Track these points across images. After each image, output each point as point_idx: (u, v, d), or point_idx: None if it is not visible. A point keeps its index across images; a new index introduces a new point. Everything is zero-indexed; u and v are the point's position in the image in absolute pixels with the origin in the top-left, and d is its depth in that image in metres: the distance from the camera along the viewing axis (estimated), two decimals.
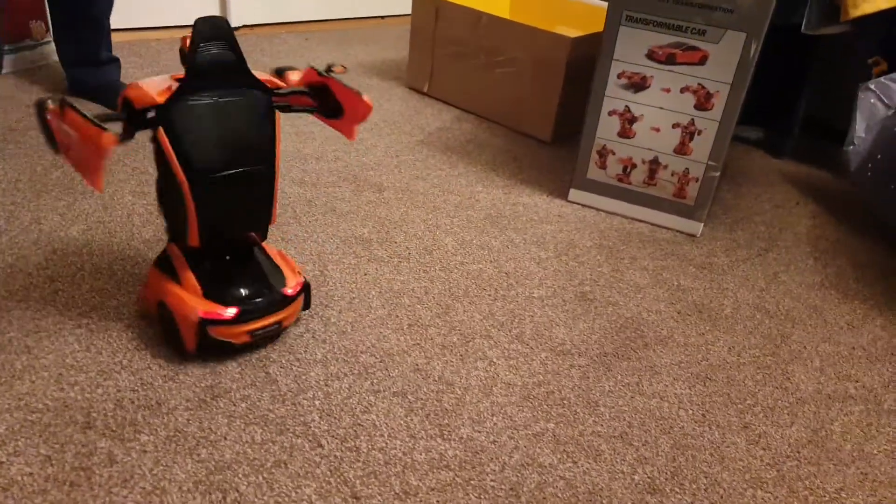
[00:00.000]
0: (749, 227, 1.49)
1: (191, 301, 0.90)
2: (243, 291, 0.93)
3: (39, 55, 1.80)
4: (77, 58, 1.62)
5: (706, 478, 0.87)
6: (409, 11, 1.94)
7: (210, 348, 0.93)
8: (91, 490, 0.76)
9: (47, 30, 1.76)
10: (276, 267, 0.98)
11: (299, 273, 1.00)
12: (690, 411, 0.98)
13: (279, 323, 0.96)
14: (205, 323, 0.89)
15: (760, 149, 1.87)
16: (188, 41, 0.84)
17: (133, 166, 1.40)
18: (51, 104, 0.80)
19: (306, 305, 1.02)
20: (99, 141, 0.76)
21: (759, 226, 1.49)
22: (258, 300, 0.93)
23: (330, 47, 2.28)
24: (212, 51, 0.84)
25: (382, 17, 2.70)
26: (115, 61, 1.68)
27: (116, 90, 1.63)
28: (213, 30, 0.84)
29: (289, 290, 0.96)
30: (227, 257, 0.96)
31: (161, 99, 0.83)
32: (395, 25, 2.61)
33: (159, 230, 1.21)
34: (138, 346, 0.96)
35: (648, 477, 0.86)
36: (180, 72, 0.85)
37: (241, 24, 2.35)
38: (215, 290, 0.91)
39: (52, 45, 1.71)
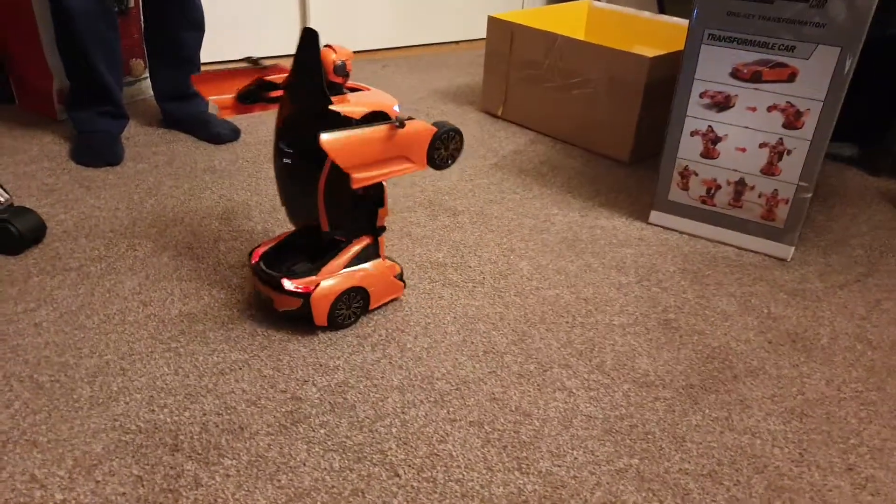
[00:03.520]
0: (845, 250, 1.40)
1: (264, 243, 1.13)
2: (276, 258, 1.10)
3: (138, 90, 1.91)
4: (169, 93, 1.71)
5: None
6: (484, 36, 1.95)
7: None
8: None
9: (146, 67, 1.87)
10: (317, 269, 1.05)
11: (319, 289, 1.03)
12: (786, 449, 0.92)
13: (270, 299, 1.07)
14: (251, 254, 1.10)
15: (855, 166, 1.77)
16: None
17: (220, 193, 1.45)
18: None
19: (303, 313, 1.05)
20: None
21: (857, 249, 1.41)
22: (269, 269, 1.06)
23: (405, 74, 2.32)
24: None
25: (457, 43, 2.73)
26: None
27: (203, 120, 1.72)
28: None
29: (287, 284, 1.03)
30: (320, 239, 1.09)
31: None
32: (469, 50, 2.64)
33: (243, 256, 1.25)
34: (223, 370, 0.98)
35: None
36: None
37: None
38: (275, 249, 1.11)
39: (149, 82, 1.82)
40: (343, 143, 0.94)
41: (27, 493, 0.79)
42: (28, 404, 0.91)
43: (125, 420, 0.89)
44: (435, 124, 1.01)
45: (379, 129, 0.97)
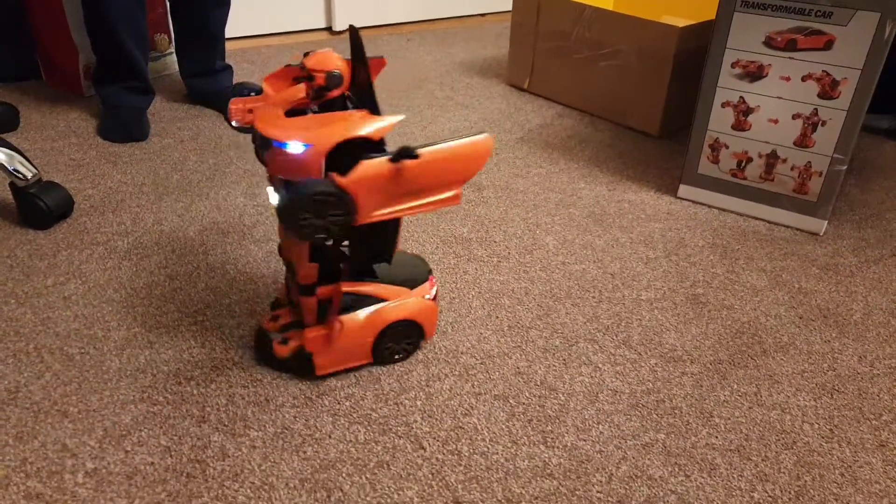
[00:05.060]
0: (880, 224, 1.36)
1: (421, 299, 0.95)
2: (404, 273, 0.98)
3: (162, 65, 1.91)
4: (195, 69, 1.71)
5: (836, 500, 0.80)
6: (510, 8, 1.91)
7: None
8: (205, 482, 0.79)
9: (170, 42, 1.87)
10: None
11: None
12: (816, 425, 0.90)
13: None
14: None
15: (891, 139, 1.71)
16: (322, 77, 0.78)
17: (244, 168, 1.46)
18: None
19: None
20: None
21: (892, 223, 1.36)
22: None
23: (430, 47, 2.29)
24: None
25: (483, 15, 2.69)
26: (228, 69, 1.76)
27: (227, 97, 1.71)
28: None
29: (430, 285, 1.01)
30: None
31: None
32: (495, 23, 2.60)
33: (269, 230, 1.25)
34: (249, 343, 0.99)
35: (769, 496, 0.80)
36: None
37: (345, 28, 2.40)
38: (404, 282, 0.96)
39: (174, 56, 1.82)
40: None
41: (59, 462, 0.81)
42: (59, 375, 0.92)
43: (153, 392, 0.91)
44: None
45: None
